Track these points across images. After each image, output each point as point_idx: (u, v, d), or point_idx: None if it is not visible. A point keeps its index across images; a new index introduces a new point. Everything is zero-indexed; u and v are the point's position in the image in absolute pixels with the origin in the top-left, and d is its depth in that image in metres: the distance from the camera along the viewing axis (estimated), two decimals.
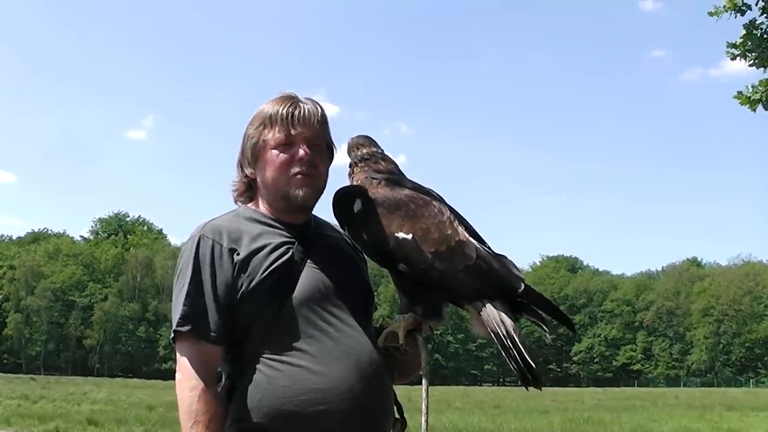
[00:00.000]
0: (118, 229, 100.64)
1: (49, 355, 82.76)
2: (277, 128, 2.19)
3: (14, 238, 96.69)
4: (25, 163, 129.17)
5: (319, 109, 2.24)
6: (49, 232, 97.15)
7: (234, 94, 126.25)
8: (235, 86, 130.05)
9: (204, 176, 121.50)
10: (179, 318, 2.10)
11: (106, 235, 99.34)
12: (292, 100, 2.23)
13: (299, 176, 2.19)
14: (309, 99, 2.27)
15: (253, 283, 2.10)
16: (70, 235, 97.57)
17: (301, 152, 2.19)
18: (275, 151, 2.20)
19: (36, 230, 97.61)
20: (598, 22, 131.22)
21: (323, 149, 2.26)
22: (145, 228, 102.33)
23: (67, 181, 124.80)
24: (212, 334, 2.09)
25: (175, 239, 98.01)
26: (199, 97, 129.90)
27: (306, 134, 2.20)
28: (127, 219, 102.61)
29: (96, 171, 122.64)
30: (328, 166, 2.29)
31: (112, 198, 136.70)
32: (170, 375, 2.31)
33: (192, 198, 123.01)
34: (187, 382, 2.06)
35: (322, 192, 2.27)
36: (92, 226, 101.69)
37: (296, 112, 2.20)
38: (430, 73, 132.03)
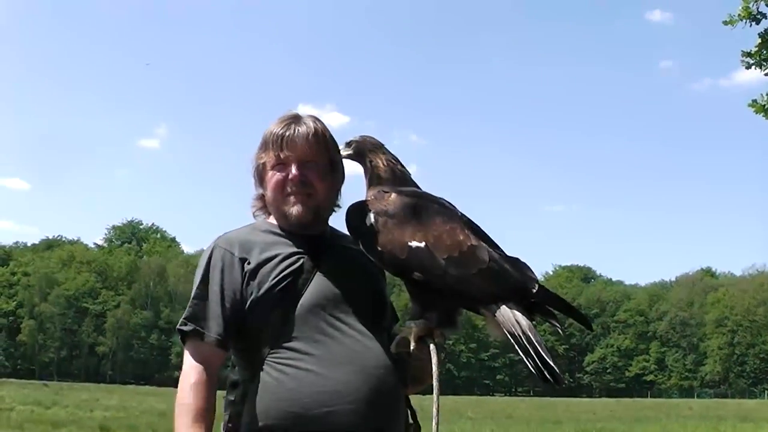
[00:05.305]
0: (132, 236, 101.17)
1: (62, 362, 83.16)
2: (270, 151, 2.29)
3: (28, 245, 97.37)
4: (39, 171, 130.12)
5: (313, 127, 2.29)
6: (63, 239, 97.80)
7: (247, 104, 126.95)
8: (248, 96, 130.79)
9: (217, 185, 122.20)
10: (183, 318, 2.22)
11: (120, 242, 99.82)
12: (288, 122, 2.30)
13: (291, 196, 2.27)
14: (310, 116, 2.33)
15: (262, 291, 2.19)
16: (84, 243, 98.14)
17: (292, 173, 2.26)
18: (272, 172, 2.30)
19: (50, 237, 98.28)
20: (606, 32, 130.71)
21: (319, 165, 2.29)
22: (159, 236, 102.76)
23: (81, 188, 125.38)
24: (213, 336, 2.18)
25: (188, 247, 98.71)
26: (212, 106, 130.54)
27: (296, 155, 2.26)
28: (141, 227, 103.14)
29: (110, 179, 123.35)
30: (332, 181, 2.33)
31: (126, 206, 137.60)
32: None
33: (205, 206, 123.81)
34: (186, 379, 2.16)
35: (322, 208, 2.32)
36: (106, 234, 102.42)
37: (286, 134, 2.27)
38: (441, 82, 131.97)
